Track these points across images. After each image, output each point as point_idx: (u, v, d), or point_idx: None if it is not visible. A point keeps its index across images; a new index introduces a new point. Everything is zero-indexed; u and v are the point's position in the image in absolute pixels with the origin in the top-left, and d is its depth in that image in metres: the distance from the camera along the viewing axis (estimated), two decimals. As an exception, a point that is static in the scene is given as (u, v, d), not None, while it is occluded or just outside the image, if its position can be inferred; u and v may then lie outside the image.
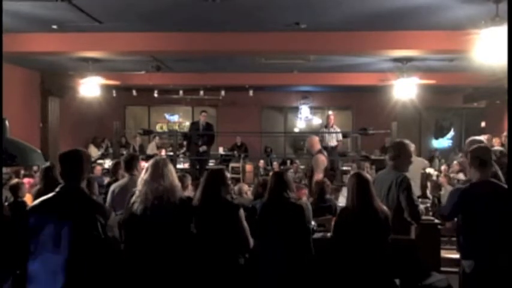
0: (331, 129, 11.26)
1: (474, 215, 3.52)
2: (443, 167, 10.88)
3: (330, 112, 13.35)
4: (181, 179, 5.86)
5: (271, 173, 4.55)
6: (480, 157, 3.66)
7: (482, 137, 8.74)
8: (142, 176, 3.58)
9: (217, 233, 3.66)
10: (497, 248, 3.37)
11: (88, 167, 3.11)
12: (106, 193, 5.42)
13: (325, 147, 11.18)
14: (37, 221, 2.93)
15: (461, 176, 9.38)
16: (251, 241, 3.75)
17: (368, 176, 3.93)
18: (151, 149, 13.83)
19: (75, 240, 2.90)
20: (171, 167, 3.61)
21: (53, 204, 2.97)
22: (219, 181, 3.78)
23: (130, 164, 5.07)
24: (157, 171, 3.50)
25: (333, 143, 11.08)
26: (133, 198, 3.50)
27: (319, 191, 5.81)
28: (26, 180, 6.86)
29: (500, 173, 4.17)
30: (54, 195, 3.00)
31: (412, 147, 4.57)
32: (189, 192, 5.96)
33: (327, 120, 11.65)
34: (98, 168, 10.83)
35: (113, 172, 6.39)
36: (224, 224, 3.68)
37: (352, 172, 5.75)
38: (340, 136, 11.33)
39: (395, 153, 4.42)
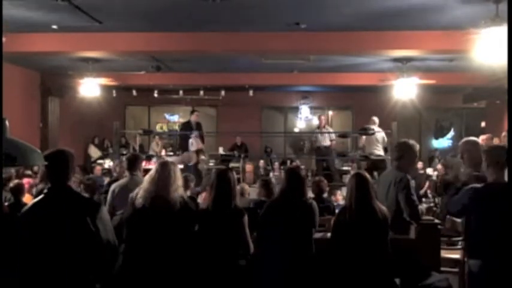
0: (323, 130, 11.35)
1: (487, 216, 3.46)
2: (438, 167, 10.86)
3: (330, 113, 13.38)
4: (185, 179, 5.91)
5: (284, 170, 4.50)
6: (498, 158, 3.51)
7: (483, 137, 8.77)
8: (151, 174, 3.62)
9: (221, 235, 3.66)
10: (506, 249, 3.33)
11: (73, 166, 3.12)
12: (105, 192, 5.43)
13: (319, 147, 11.24)
14: (30, 224, 2.93)
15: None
16: (251, 247, 3.76)
17: (368, 176, 3.92)
18: (153, 148, 13.84)
19: (70, 238, 2.90)
20: (177, 168, 3.69)
21: (43, 206, 2.97)
22: (228, 184, 3.78)
23: (134, 164, 5.07)
24: (165, 172, 3.56)
25: (326, 142, 11.16)
26: (137, 196, 3.54)
27: (317, 190, 5.81)
28: (25, 180, 6.86)
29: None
30: (43, 198, 3.00)
31: (417, 147, 4.53)
32: (190, 192, 6.00)
33: (319, 121, 11.76)
34: (98, 168, 10.84)
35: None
36: (229, 228, 3.68)
37: (352, 172, 5.76)
38: (332, 135, 11.44)
39: (399, 154, 4.42)
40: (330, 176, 10.75)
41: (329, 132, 11.39)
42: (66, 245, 2.90)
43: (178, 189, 3.58)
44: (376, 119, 10.35)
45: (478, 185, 3.59)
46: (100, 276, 3.07)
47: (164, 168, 3.60)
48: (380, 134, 9.96)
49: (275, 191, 5.26)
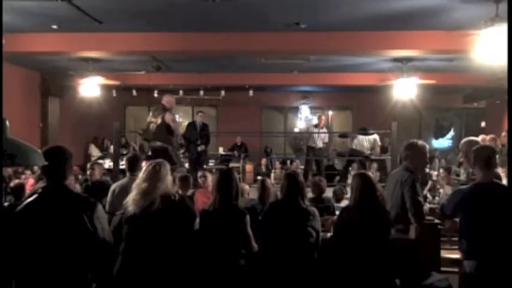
0: (321, 130, 11.21)
1: (477, 216, 3.48)
2: (441, 170, 10.79)
3: (330, 113, 13.32)
4: (185, 179, 5.91)
5: (284, 174, 4.50)
6: (485, 157, 3.56)
7: (482, 137, 8.77)
8: (140, 177, 3.61)
9: (224, 235, 3.66)
10: (499, 249, 3.34)
11: (71, 164, 3.06)
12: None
13: (312, 148, 11.09)
14: (25, 224, 2.88)
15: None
16: (255, 246, 3.76)
17: (372, 176, 3.94)
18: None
19: (66, 238, 2.86)
20: (167, 169, 3.64)
21: (38, 205, 2.91)
22: (231, 185, 3.77)
23: (134, 164, 5.08)
24: (153, 174, 3.54)
25: (320, 144, 11.02)
26: (129, 200, 3.53)
27: (317, 191, 5.80)
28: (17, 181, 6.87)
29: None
30: (38, 196, 2.94)
31: (426, 148, 4.51)
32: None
33: (318, 120, 11.55)
34: (98, 169, 10.83)
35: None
36: (231, 228, 3.69)
37: (355, 172, 5.76)
38: (326, 138, 11.32)
39: (405, 154, 4.43)
40: (333, 176, 10.74)
41: (326, 132, 11.27)
42: (63, 244, 2.86)
43: (167, 190, 3.54)
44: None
45: (467, 186, 3.61)
46: (97, 275, 3.04)
47: (151, 172, 3.56)
48: (372, 137, 10.09)
49: (271, 191, 5.28)
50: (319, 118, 11.57)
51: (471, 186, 3.59)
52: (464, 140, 4.51)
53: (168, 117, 7.89)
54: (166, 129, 7.95)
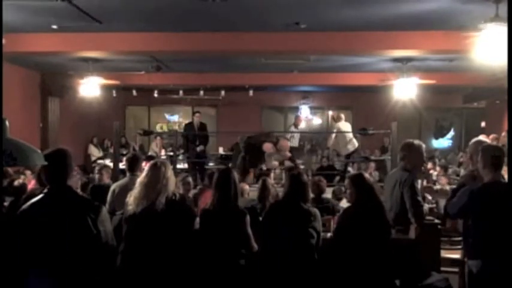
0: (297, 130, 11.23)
1: (485, 216, 3.47)
2: (437, 168, 10.77)
3: (330, 113, 13.28)
4: (185, 180, 5.90)
5: (288, 174, 4.48)
6: (494, 157, 3.54)
7: (483, 137, 8.76)
8: (142, 177, 3.60)
9: (224, 235, 3.66)
10: (505, 248, 3.33)
11: (72, 165, 3.09)
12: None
13: (296, 148, 11.14)
14: (28, 224, 2.90)
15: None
16: (255, 246, 3.76)
17: (369, 177, 3.94)
18: (152, 148, 13.84)
19: (69, 239, 2.87)
20: (169, 169, 3.63)
21: (42, 206, 2.93)
22: (231, 184, 3.77)
23: (134, 164, 5.08)
24: (156, 173, 3.53)
25: (296, 143, 11.05)
26: (131, 199, 3.53)
27: (317, 191, 5.79)
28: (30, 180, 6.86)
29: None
30: (43, 197, 2.96)
31: (422, 148, 4.51)
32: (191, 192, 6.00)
33: (296, 120, 11.54)
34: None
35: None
36: (231, 228, 3.69)
37: (353, 173, 5.76)
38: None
39: (403, 154, 4.43)
40: (333, 176, 10.74)
41: (300, 132, 11.30)
42: (65, 246, 2.87)
43: (169, 192, 3.53)
44: (342, 115, 10.53)
45: (475, 186, 3.59)
46: (98, 276, 3.04)
47: (154, 171, 3.55)
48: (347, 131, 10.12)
49: (271, 191, 5.27)
50: (297, 118, 11.65)
51: (480, 186, 3.56)
52: (472, 140, 4.47)
53: (269, 147, 7.89)
54: (259, 151, 8.01)
